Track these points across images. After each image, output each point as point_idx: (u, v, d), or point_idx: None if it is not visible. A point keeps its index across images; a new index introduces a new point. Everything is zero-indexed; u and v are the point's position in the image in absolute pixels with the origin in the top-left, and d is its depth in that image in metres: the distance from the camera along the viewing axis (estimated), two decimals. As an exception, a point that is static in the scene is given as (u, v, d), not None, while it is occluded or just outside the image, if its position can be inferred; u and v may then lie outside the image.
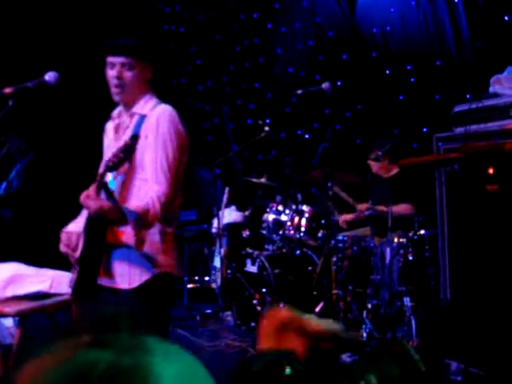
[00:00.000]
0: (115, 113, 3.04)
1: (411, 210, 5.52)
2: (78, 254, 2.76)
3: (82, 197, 2.58)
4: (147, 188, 2.75)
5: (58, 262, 4.08)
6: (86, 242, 2.73)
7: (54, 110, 6.19)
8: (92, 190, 2.55)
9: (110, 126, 3.07)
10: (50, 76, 2.91)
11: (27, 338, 4.04)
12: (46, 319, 4.26)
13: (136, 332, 0.83)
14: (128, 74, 2.86)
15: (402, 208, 5.48)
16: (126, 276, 2.79)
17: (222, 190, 7.14)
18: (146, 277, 2.79)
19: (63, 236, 2.92)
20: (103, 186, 2.55)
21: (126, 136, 2.84)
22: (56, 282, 4.14)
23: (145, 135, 2.78)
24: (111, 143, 2.99)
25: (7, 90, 2.91)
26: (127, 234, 2.72)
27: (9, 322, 4.66)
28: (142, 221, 2.62)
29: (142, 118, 2.84)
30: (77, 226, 2.95)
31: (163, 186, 2.72)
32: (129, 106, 2.94)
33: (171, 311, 5.47)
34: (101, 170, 2.64)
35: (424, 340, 4.76)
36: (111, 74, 2.86)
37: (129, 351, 0.78)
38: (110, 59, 2.87)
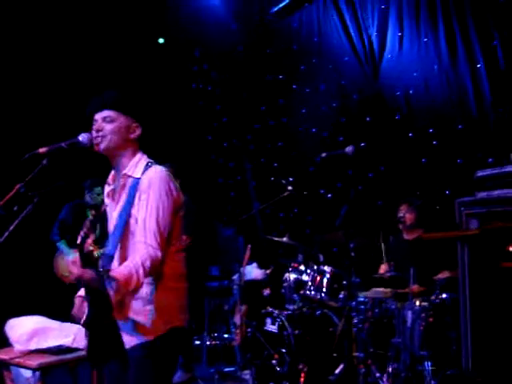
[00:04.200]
0: (110, 178, 3.07)
1: (449, 273, 5.50)
2: (83, 319, 2.76)
3: (70, 262, 2.59)
4: (136, 251, 2.76)
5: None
6: (90, 307, 2.73)
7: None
8: (77, 256, 2.57)
9: (106, 191, 3.11)
10: (83, 137, 2.97)
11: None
12: (67, 373, 4.28)
13: None
14: (108, 127, 2.90)
15: (443, 275, 5.48)
16: (139, 331, 2.80)
17: (244, 246, 7.18)
18: (159, 332, 2.80)
19: (77, 301, 2.97)
20: (84, 256, 2.56)
21: (122, 199, 2.89)
22: (79, 336, 4.18)
23: (138, 198, 2.82)
24: (109, 208, 3.04)
25: (42, 150, 2.98)
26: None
27: (28, 373, 4.67)
28: (123, 288, 2.64)
29: (136, 181, 2.86)
30: None
31: (151, 249, 2.72)
32: (118, 165, 2.96)
33: (190, 368, 5.47)
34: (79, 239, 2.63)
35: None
36: (93, 128, 2.92)
37: None
38: (95, 117, 2.94)
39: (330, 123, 7.62)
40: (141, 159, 2.96)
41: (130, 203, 2.83)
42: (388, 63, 7.08)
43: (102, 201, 3.18)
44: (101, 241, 2.90)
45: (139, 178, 2.86)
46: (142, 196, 2.81)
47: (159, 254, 2.73)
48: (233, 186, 8.66)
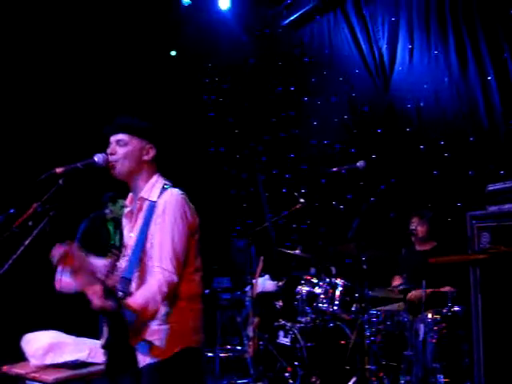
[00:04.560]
0: (128, 200, 3.12)
1: (450, 289, 5.51)
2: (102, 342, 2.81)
3: (90, 291, 2.62)
4: (152, 275, 2.79)
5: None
6: (109, 332, 2.76)
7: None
8: (100, 288, 2.60)
9: (124, 213, 3.15)
10: (98, 157, 3.01)
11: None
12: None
13: None
14: (121, 150, 2.96)
15: (444, 290, 5.49)
16: (153, 351, 2.83)
17: (257, 258, 7.20)
18: (173, 352, 2.83)
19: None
20: (108, 291, 2.61)
21: (138, 222, 2.93)
22: (94, 351, 4.22)
23: (154, 222, 2.86)
24: (126, 230, 3.08)
25: (58, 170, 3.03)
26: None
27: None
28: (141, 317, 2.68)
29: (153, 204, 2.90)
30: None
31: (167, 274, 2.76)
32: (135, 188, 3.02)
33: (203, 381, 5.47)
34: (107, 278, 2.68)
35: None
36: (107, 151, 2.97)
37: None
38: (110, 139, 3.00)
39: (342, 135, 7.66)
40: (157, 181, 3.00)
41: (146, 226, 2.87)
42: (398, 75, 7.11)
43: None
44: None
45: (155, 202, 2.90)
46: (157, 220, 2.85)
47: (175, 278, 2.78)
48: (245, 198, 8.71)
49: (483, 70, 6.26)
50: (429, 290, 5.34)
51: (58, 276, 3.08)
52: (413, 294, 5.59)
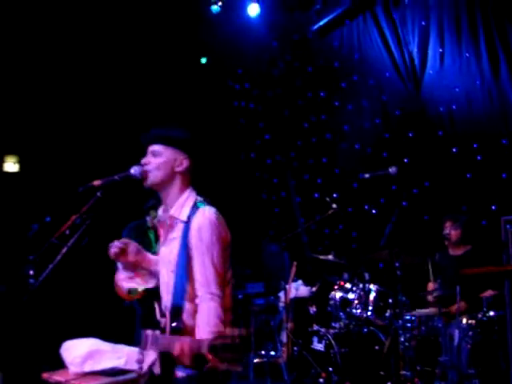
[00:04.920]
0: (161, 210, 3.12)
1: (493, 292, 5.48)
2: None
3: (176, 350, 2.60)
4: (203, 304, 2.80)
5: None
6: (161, 368, 2.83)
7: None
8: (187, 348, 2.57)
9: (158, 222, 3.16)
10: (135, 170, 3.03)
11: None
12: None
13: None
14: (154, 161, 2.96)
15: (488, 293, 5.46)
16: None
17: (290, 263, 7.23)
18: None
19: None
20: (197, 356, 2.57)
21: (173, 245, 2.93)
22: (131, 358, 4.29)
23: (191, 245, 2.86)
24: (160, 241, 3.10)
25: (96, 183, 3.09)
26: None
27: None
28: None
29: (186, 226, 2.89)
30: None
31: (218, 299, 2.80)
32: (165, 199, 3.02)
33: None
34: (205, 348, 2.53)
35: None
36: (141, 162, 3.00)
37: None
38: (147, 150, 3.02)
39: (373, 139, 7.65)
40: (188, 198, 2.98)
41: (184, 250, 2.87)
42: (430, 79, 7.09)
43: None
44: None
45: (187, 223, 2.89)
46: (194, 245, 2.85)
47: (223, 297, 2.83)
48: (277, 203, 8.74)
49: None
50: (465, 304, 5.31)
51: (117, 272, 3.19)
52: (454, 307, 5.52)
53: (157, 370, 2.86)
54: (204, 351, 2.46)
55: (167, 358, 2.75)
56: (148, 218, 6.42)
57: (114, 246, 3.06)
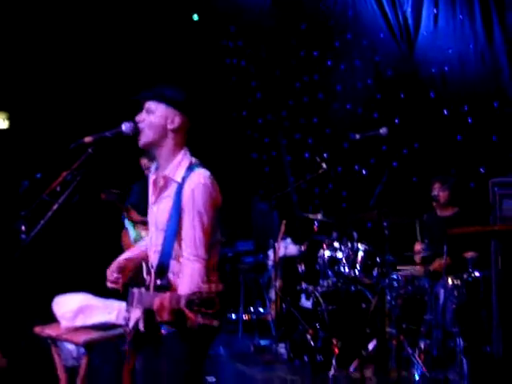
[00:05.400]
0: (153, 167, 3.12)
1: (473, 254, 5.55)
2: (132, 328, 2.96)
3: (156, 305, 2.65)
4: (187, 264, 2.84)
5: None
6: (145, 322, 2.88)
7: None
8: (167, 303, 2.62)
9: (150, 179, 3.15)
10: (126, 126, 3.02)
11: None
12: (111, 349, 4.49)
13: None
14: (147, 118, 2.95)
15: (469, 255, 5.53)
16: None
17: (279, 221, 7.28)
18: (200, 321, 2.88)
19: (108, 273, 3.11)
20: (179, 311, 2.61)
21: (165, 205, 2.93)
22: (122, 313, 4.34)
23: (182, 206, 2.86)
24: (150, 200, 3.09)
25: (87, 139, 3.08)
26: None
27: (71, 345, 4.84)
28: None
29: (179, 187, 2.89)
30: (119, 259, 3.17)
31: (203, 261, 2.82)
32: (158, 157, 3.01)
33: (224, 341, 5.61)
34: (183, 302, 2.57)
35: None
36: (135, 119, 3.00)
37: None
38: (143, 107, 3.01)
39: (365, 100, 7.64)
40: (183, 160, 2.96)
41: (176, 211, 2.88)
42: (423, 40, 7.06)
43: None
44: None
45: (181, 184, 2.89)
46: (186, 207, 2.85)
47: (208, 260, 2.86)
48: (267, 162, 8.75)
49: (509, 36, 6.20)
50: (449, 260, 5.39)
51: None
52: (437, 263, 5.63)
53: (141, 326, 2.90)
54: (181, 305, 2.51)
55: (150, 315, 2.79)
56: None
57: (111, 281, 3.10)
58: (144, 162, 6.09)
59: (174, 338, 2.87)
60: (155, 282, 2.86)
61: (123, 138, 3.08)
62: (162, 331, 2.89)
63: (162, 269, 2.87)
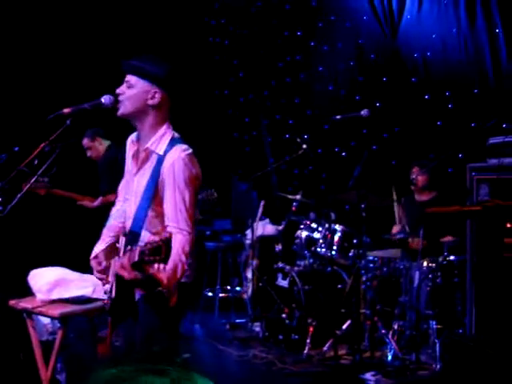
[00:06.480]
0: (134, 136, 3.12)
1: (450, 239, 5.61)
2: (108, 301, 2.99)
3: (117, 266, 2.74)
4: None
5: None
6: (116, 294, 2.93)
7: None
8: (126, 261, 2.66)
9: (128, 148, 3.16)
10: (105, 99, 3.02)
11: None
12: (86, 322, 4.49)
13: (187, 367, 1.13)
14: (127, 91, 2.95)
15: (447, 239, 5.58)
16: None
17: (258, 201, 7.30)
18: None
19: (93, 263, 3.14)
20: (136, 265, 2.64)
21: (146, 175, 2.95)
22: (98, 287, 4.34)
23: (162, 178, 2.89)
24: (130, 171, 3.12)
25: (66, 111, 3.07)
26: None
27: (46, 320, 4.84)
28: (172, 280, 2.77)
29: (160, 159, 2.91)
30: (100, 247, 3.18)
31: (186, 234, 2.84)
32: (139, 131, 3.03)
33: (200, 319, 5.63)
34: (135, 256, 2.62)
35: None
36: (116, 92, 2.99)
37: (180, 381, 1.09)
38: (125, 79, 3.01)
39: (347, 82, 7.65)
40: (165, 133, 2.97)
41: (154, 182, 2.90)
42: (407, 24, 7.06)
43: None
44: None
45: (162, 156, 2.90)
46: (166, 180, 2.87)
47: (192, 235, 2.87)
48: (248, 141, 8.74)
49: (491, 22, 6.23)
50: (426, 243, 5.45)
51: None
52: (415, 241, 5.67)
53: (113, 293, 2.94)
54: (136, 258, 2.55)
55: (120, 280, 2.83)
56: None
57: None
58: (85, 141, 6.08)
59: (146, 301, 2.93)
60: (125, 249, 2.89)
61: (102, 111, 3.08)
62: (136, 296, 2.93)
63: (133, 236, 2.91)
